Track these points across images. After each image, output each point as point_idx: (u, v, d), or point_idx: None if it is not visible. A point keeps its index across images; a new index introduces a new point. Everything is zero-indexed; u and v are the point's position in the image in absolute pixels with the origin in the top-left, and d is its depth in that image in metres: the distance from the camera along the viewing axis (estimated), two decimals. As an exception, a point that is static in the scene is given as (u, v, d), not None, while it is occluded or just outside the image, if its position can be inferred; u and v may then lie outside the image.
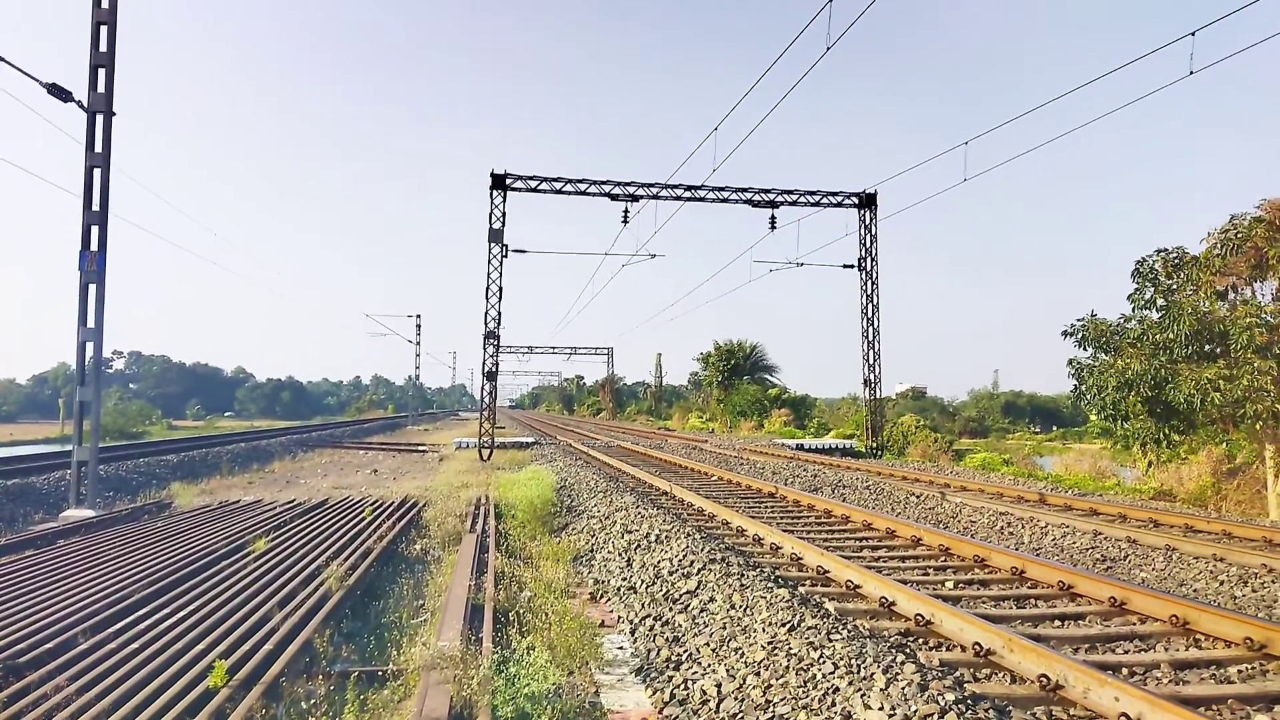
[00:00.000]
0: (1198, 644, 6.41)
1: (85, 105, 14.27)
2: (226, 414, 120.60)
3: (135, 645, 5.96)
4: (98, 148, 14.31)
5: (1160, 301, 19.77)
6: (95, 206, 14.25)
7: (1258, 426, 17.56)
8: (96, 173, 14.30)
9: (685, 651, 6.34)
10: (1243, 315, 17.67)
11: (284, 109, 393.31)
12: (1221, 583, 8.74)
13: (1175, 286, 19.60)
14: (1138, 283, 20.21)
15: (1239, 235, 18.22)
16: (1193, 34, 11.91)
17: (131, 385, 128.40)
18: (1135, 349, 19.38)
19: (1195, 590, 8.66)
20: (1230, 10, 10.98)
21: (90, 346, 14.25)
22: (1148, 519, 12.64)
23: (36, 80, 13.50)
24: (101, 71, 14.38)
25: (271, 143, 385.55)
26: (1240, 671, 5.79)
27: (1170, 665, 5.86)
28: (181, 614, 6.79)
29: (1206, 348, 18.69)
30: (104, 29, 14.36)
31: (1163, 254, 19.94)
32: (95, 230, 14.23)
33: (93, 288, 14.19)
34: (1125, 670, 5.78)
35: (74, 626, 6.38)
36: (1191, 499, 19.42)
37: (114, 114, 14.44)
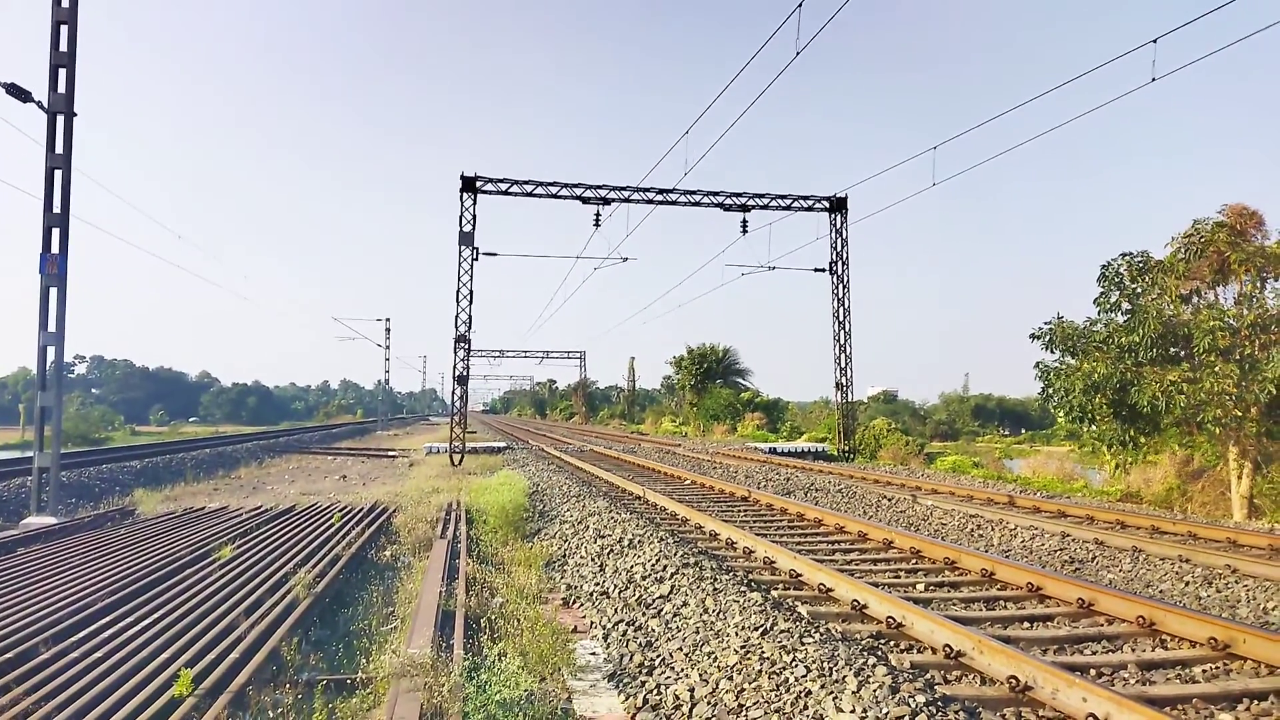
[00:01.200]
0: (1164, 644, 6.48)
1: (45, 106, 14.01)
2: (191, 419, 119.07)
3: (98, 654, 5.84)
4: (58, 149, 14.05)
5: (1125, 305, 20.08)
6: (56, 209, 14.00)
7: (1216, 430, 17.86)
8: (57, 174, 14.05)
9: (658, 656, 6.31)
10: (1206, 319, 17.98)
11: (249, 112, 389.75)
12: (1187, 584, 8.86)
13: (1140, 290, 19.91)
14: (1104, 286, 20.51)
15: (1202, 240, 18.55)
16: (1154, 41, 12.12)
17: (94, 390, 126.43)
18: (1101, 352, 19.65)
19: (1161, 591, 8.78)
20: (1190, 19, 11.18)
21: (51, 351, 13.99)
22: (1115, 521, 12.80)
23: (-4, 80, 13.25)
24: (62, 72, 14.13)
25: (237, 146, 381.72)
26: (1205, 671, 5.86)
27: (1137, 665, 5.93)
28: (146, 622, 6.67)
29: (1170, 351, 19.01)
30: (64, 28, 14.11)
31: (1128, 258, 20.26)
32: (56, 233, 13.97)
33: (54, 291, 13.92)
34: (1093, 671, 5.83)
35: (35, 636, 6.24)
36: (1158, 501, 19.71)
37: (75, 115, 14.19)
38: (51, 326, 13.91)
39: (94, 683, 5.31)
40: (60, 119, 14.09)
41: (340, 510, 14.03)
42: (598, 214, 29.04)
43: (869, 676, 4.97)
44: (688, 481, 19.55)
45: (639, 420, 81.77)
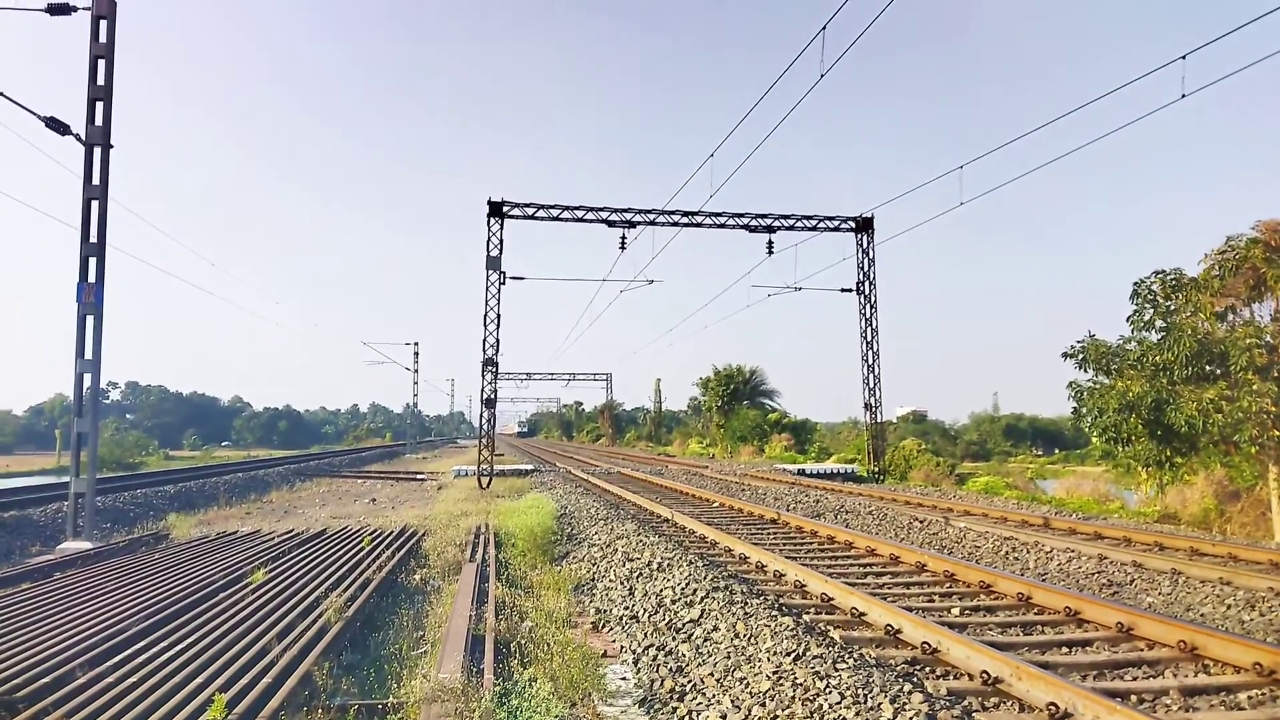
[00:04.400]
0: (1206, 670, 6.34)
1: (83, 138, 14.32)
2: (223, 444, 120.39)
3: (133, 679, 5.88)
4: (95, 180, 14.34)
5: (1159, 323, 19.81)
6: (93, 239, 14.26)
7: (1254, 450, 17.52)
8: (94, 205, 14.33)
9: (689, 682, 6.27)
10: (1242, 336, 17.70)
11: (281, 136, 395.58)
12: (1229, 607, 8.67)
13: (1174, 308, 19.65)
14: (1137, 304, 20.27)
15: (1236, 256, 18.29)
16: (1184, 58, 12.02)
17: (128, 416, 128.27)
18: (1135, 371, 19.39)
19: (1202, 615, 8.59)
20: (1220, 34, 11.09)
21: (88, 378, 14.20)
22: (1153, 542, 12.57)
23: (34, 114, 13.58)
24: (99, 105, 14.45)
25: (269, 173, 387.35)
26: (1250, 698, 5.72)
27: (1179, 692, 5.80)
28: (180, 647, 6.71)
29: (1207, 369, 18.71)
30: (101, 63, 14.44)
31: (1161, 276, 20.01)
32: (93, 262, 14.23)
33: (90, 319, 14.16)
34: (1134, 697, 5.71)
35: (71, 660, 6.30)
36: (1195, 522, 19.33)
37: (111, 147, 14.49)
38: (88, 354, 14.14)
39: (129, 707, 5.35)
40: (97, 151, 14.39)
41: (370, 534, 14.09)
42: (624, 237, 29.16)
43: (905, 704, 4.90)
44: (716, 504, 19.45)
45: (666, 442, 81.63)
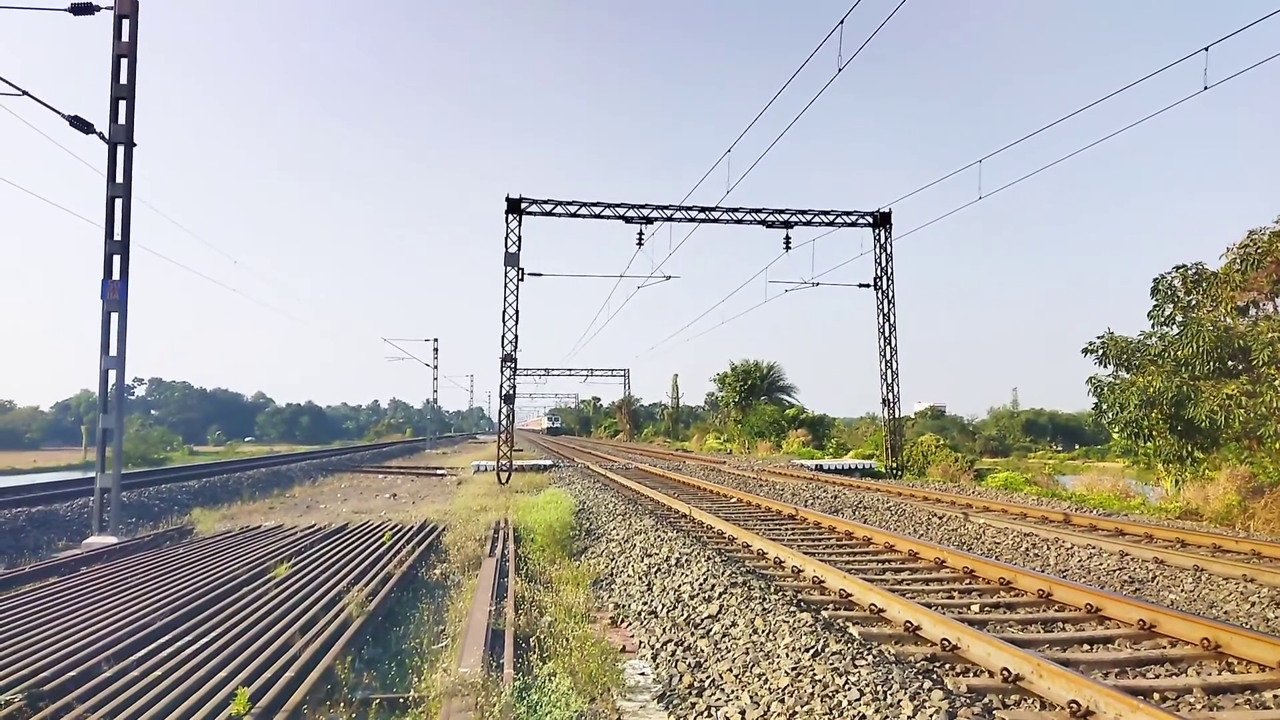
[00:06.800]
0: (1231, 668, 6.29)
1: (106, 137, 14.47)
2: (247, 439, 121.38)
3: (158, 673, 5.96)
4: (119, 178, 14.49)
5: (1180, 318, 19.64)
6: (117, 236, 14.41)
7: (1278, 446, 17.33)
8: (118, 203, 14.47)
9: (708, 677, 6.28)
10: (1265, 331, 17.51)
11: (302, 134, 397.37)
12: (1253, 604, 8.59)
13: (1195, 303, 19.47)
14: (1157, 299, 20.11)
15: (1259, 250, 18.09)
16: (1206, 49, 11.90)
17: (153, 412, 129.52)
18: (1156, 366, 19.22)
19: (1226, 612, 8.52)
20: (1242, 25, 10.97)
21: (113, 374, 14.36)
22: (1175, 539, 12.47)
23: (59, 113, 13.73)
24: (122, 104, 14.59)
25: (290, 170, 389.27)
26: (1276, 696, 5.67)
27: (1203, 690, 5.76)
28: (204, 641, 6.80)
29: (1229, 364, 18.53)
30: (124, 62, 14.58)
31: (1181, 270, 19.84)
32: (117, 259, 14.38)
33: (115, 316, 14.32)
34: (1157, 695, 5.68)
35: (97, 654, 6.39)
36: (1218, 518, 19.14)
37: (134, 145, 14.63)
38: (113, 350, 14.30)
39: (154, 700, 5.42)
40: (120, 149, 14.54)
41: (391, 529, 14.19)
42: (641, 233, 29.18)
43: (925, 701, 4.90)
44: (734, 499, 19.44)
45: (683, 437, 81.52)
